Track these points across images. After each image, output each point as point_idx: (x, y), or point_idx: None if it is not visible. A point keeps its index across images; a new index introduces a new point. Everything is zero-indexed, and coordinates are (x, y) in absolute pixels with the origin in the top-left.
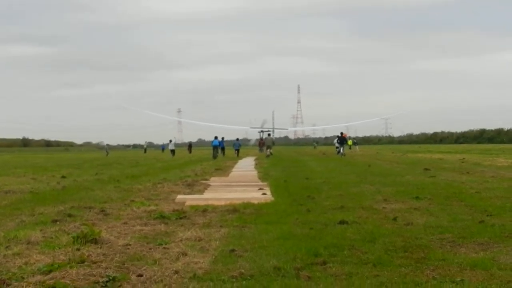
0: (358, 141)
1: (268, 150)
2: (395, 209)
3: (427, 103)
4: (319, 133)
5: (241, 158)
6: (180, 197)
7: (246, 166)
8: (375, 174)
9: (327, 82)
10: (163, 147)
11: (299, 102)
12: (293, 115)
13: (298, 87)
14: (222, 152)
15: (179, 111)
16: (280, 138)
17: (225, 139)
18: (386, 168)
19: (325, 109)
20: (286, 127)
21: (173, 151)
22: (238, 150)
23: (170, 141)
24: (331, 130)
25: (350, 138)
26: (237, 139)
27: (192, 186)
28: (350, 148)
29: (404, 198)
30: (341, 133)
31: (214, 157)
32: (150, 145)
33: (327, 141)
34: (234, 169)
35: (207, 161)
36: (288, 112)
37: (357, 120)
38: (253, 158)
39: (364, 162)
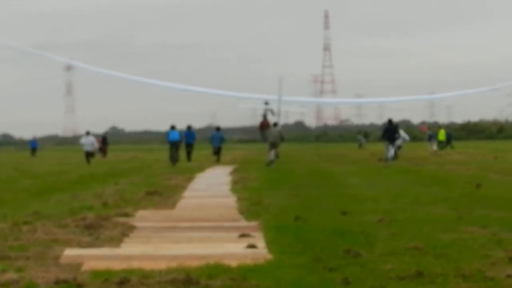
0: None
1: (272, 153)
2: None
3: None
4: (371, 115)
5: (203, 170)
6: (70, 253)
7: (212, 185)
8: (489, 204)
9: (384, 8)
10: (33, 145)
11: (327, 49)
12: (314, 76)
13: (326, 15)
14: (187, 153)
15: (68, 69)
16: (287, 126)
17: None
18: None
19: (381, 64)
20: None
21: (89, 155)
22: (219, 149)
23: (87, 133)
24: (396, 109)
25: (436, 127)
26: (218, 129)
27: (97, 230)
28: (450, 146)
29: None
30: (390, 120)
31: (173, 161)
32: (5, 139)
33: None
34: (186, 192)
35: (129, 174)
36: (305, 71)
37: (445, 87)
38: (228, 167)
39: (467, 177)
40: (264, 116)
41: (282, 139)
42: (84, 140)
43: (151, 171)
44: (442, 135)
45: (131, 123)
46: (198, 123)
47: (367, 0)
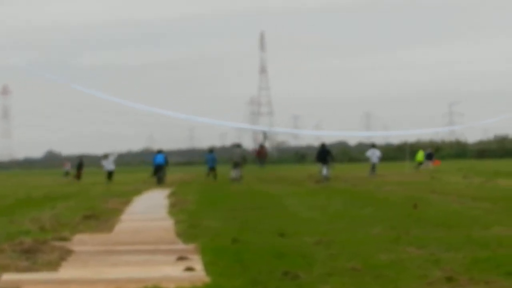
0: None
1: (236, 171)
2: None
3: None
4: (308, 137)
5: (139, 193)
6: (8, 277)
7: (150, 207)
8: (428, 224)
9: (323, 25)
10: None
11: (264, 71)
12: (251, 98)
13: (261, 36)
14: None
15: (4, 92)
16: (225, 148)
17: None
18: (450, 209)
19: (317, 84)
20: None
21: (110, 174)
22: (214, 170)
23: (106, 156)
24: (332, 130)
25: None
26: (211, 151)
27: (35, 254)
28: (424, 165)
29: (490, 275)
30: (323, 144)
31: (159, 181)
32: None
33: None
34: (124, 216)
35: (66, 198)
36: (241, 93)
37: (383, 106)
38: (165, 190)
39: (405, 198)
40: (261, 146)
41: (244, 159)
42: (104, 162)
43: (88, 195)
44: (420, 156)
45: (68, 146)
46: (135, 146)
47: (303, 21)
